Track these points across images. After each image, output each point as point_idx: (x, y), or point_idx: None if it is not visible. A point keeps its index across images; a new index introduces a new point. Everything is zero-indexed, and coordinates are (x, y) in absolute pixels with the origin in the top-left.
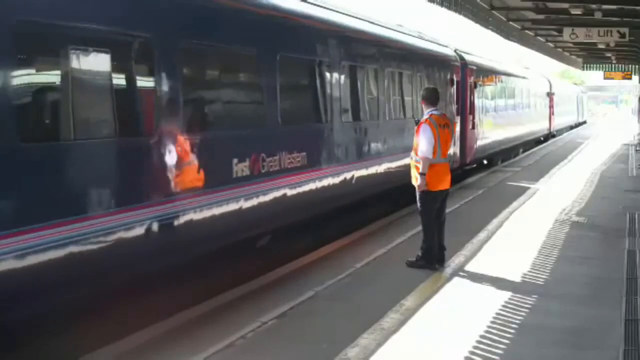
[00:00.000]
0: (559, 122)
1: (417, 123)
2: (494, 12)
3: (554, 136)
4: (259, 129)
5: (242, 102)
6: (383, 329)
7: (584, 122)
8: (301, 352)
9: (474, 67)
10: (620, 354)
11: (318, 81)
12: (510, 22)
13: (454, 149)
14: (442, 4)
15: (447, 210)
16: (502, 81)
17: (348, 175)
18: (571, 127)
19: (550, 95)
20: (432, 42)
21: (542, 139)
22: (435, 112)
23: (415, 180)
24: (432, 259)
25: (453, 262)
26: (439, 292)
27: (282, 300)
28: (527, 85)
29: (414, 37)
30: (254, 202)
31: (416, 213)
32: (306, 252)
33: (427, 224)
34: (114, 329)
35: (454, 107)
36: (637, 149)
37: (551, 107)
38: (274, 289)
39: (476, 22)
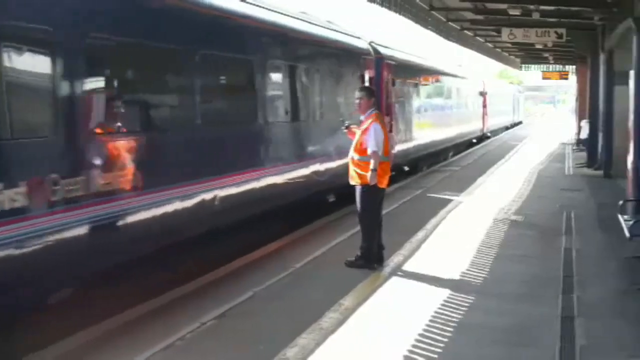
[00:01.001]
0: (493, 122)
1: (345, 125)
2: (433, 12)
3: (488, 137)
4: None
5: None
6: (322, 328)
7: (520, 123)
8: (240, 353)
9: (393, 63)
10: (557, 351)
11: (168, 75)
12: (450, 23)
13: None
14: (382, 4)
15: (386, 211)
16: (428, 79)
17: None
18: (507, 128)
19: (483, 94)
20: (339, 32)
21: (474, 140)
22: (376, 111)
23: (359, 178)
24: (371, 258)
25: (392, 262)
26: (377, 292)
27: (221, 300)
28: (457, 83)
29: (309, 24)
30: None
31: (354, 213)
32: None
33: (368, 223)
34: (54, 330)
35: None
36: (574, 148)
37: (485, 107)
38: (213, 290)
39: (416, 22)
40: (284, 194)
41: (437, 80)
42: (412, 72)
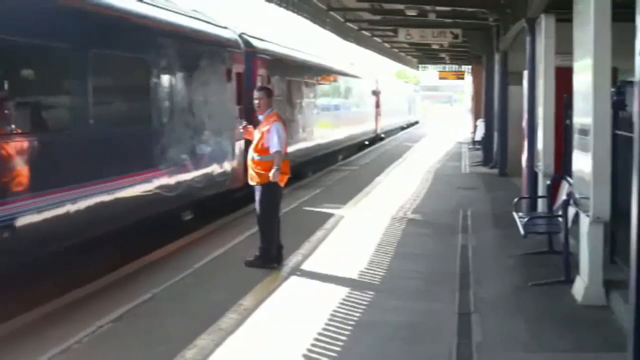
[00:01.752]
0: (387, 123)
1: (243, 124)
2: (331, 12)
3: (382, 139)
4: None
5: None
6: (221, 329)
7: (417, 122)
8: (138, 356)
9: (268, 57)
10: (454, 347)
11: None
12: (348, 23)
13: (231, 165)
14: (280, 4)
15: (285, 210)
16: (312, 76)
17: None
18: (402, 128)
19: (376, 93)
20: (199, 20)
21: (367, 142)
22: (276, 111)
23: (258, 178)
24: (271, 258)
25: (291, 261)
26: (276, 291)
27: (119, 302)
28: (347, 81)
29: (150, 7)
30: None
31: (253, 213)
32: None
33: (268, 223)
34: None
35: (237, 108)
36: (470, 147)
37: (378, 106)
38: (111, 292)
39: (314, 22)
40: (111, 216)
41: (324, 78)
42: (293, 69)
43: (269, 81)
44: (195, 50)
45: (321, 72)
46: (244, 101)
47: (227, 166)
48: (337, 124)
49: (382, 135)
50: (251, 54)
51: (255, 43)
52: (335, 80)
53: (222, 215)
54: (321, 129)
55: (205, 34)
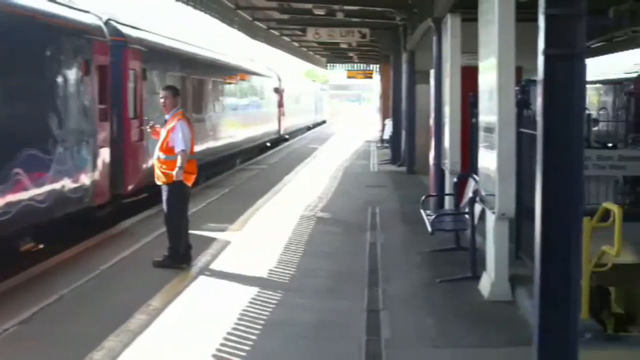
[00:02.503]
0: (291, 123)
1: (150, 124)
2: (239, 12)
3: (286, 140)
4: None
5: None
6: (130, 330)
7: (324, 122)
8: (45, 358)
9: (144, 49)
10: (363, 343)
11: None
12: (256, 22)
13: (91, 177)
14: (187, 3)
15: (194, 209)
16: (201, 72)
17: None
18: (309, 128)
19: (279, 92)
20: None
21: (268, 144)
22: (182, 110)
23: (165, 177)
24: (179, 258)
25: (200, 261)
26: (185, 291)
27: (25, 305)
28: (244, 79)
29: None
30: None
31: (161, 213)
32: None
33: (175, 223)
34: None
35: (98, 108)
36: (379, 145)
37: (281, 106)
38: (17, 294)
39: (222, 21)
40: None
41: (214, 75)
42: (179, 63)
43: (144, 77)
44: (32, 36)
45: (212, 68)
46: (110, 100)
47: (86, 179)
48: (232, 125)
49: (286, 137)
50: (120, 44)
51: (127, 31)
52: (230, 78)
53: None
54: (212, 132)
55: (46, 14)
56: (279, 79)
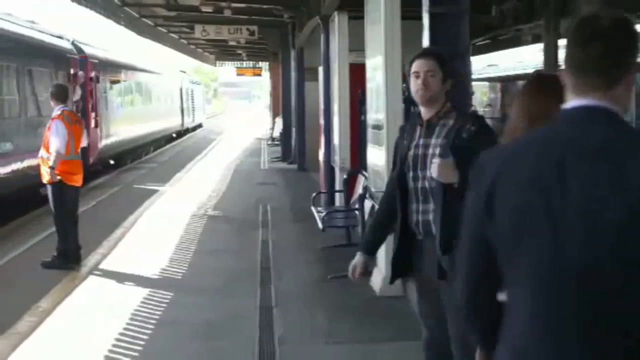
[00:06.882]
0: (123, 136)
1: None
2: (125, 8)
3: (115, 165)
4: None
5: None
6: (18, 332)
7: (200, 126)
8: None
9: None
10: (256, 341)
11: None
12: (143, 19)
13: None
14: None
15: (82, 209)
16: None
17: None
18: (172, 138)
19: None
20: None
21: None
22: (66, 109)
23: (47, 176)
24: (68, 258)
25: (89, 261)
26: (75, 292)
27: None
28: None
29: None
30: None
31: (50, 213)
32: None
33: (61, 223)
34: None
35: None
36: (269, 143)
37: (95, 110)
38: None
39: (107, 17)
40: None
41: None
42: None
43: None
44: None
45: None
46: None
47: None
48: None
49: (111, 162)
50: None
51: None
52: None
53: None
54: None
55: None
56: (93, 67)
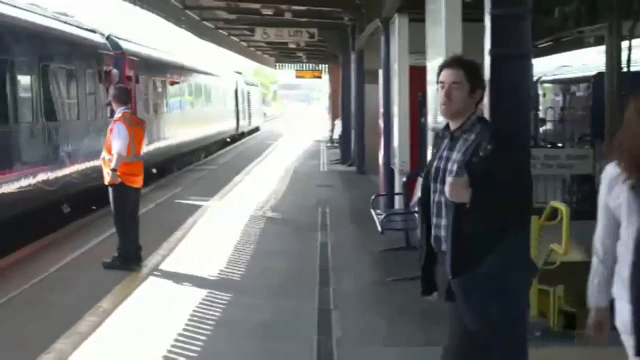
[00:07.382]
0: (172, 141)
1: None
2: (187, 11)
3: (161, 174)
4: None
5: None
6: (80, 332)
7: (257, 130)
8: None
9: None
10: (315, 343)
11: None
12: (204, 22)
13: None
14: (134, 3)
15: (143, 210)
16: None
17: None
18: (227, 143)
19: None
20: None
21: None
22: (128, 111)
23: (109, 178)
24: (129, 259)
25: (150, 262)
26: (135, 293)
27: None
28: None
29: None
30: None
31: (111, 214)
32: None
33: (122, 224)
34: None
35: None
36: (328, 145)
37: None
38: None
39: (169, 21)
40: None
41: None
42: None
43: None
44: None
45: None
46: None
47: None
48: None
49: (153, 171)
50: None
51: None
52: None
53: None
54: None
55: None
56: (132, 62)
